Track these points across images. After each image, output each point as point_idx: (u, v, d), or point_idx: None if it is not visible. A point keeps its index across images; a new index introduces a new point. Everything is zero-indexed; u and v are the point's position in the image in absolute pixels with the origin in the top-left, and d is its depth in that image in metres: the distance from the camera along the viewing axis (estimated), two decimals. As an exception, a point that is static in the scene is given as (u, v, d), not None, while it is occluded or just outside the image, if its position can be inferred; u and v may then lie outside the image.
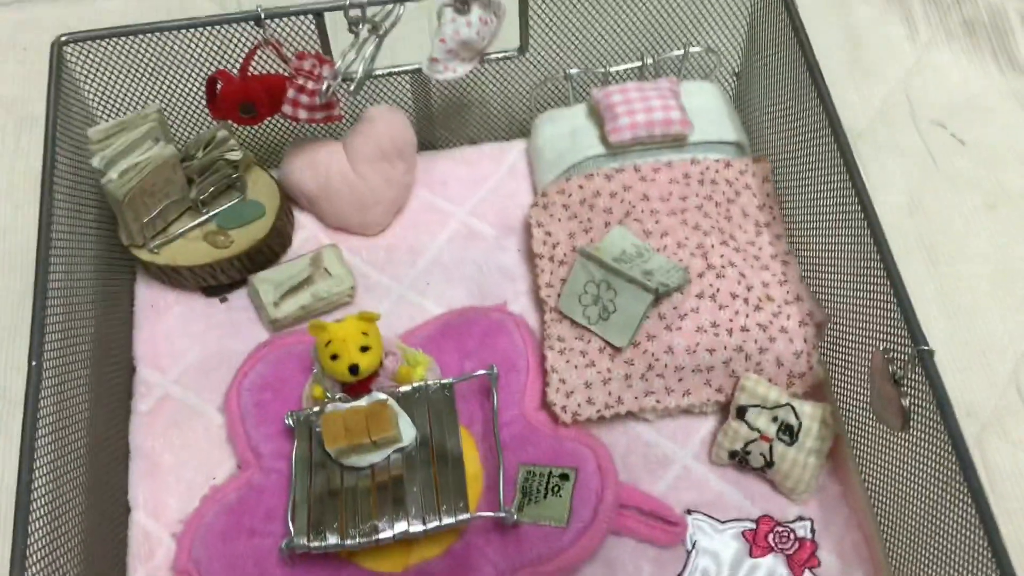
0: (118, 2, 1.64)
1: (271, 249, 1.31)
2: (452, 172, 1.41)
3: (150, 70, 1.25)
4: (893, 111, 1.47)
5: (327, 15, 1.22)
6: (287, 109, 1.24)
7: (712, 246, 1.21)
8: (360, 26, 1.21)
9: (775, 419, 1.12)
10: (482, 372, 1.16)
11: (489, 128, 1.43)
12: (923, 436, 0.97)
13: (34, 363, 1.00)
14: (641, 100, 1.29)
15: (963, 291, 1.31)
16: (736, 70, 1.40)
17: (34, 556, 0.92)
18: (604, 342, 1.17)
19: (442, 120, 1.40)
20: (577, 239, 1.25)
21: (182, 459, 1.19)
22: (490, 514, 1.07)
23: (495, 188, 1.40)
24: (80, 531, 1.03)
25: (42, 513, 0.95)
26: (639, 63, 1.34)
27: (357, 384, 1.13)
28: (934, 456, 0.96)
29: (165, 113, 1.25)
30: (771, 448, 1.12)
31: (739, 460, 1.15)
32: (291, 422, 1.15)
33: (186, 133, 1.35)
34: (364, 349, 1.11)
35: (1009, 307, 1.29)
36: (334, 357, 1.10)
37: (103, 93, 1.27)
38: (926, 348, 0.96)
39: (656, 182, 1.26)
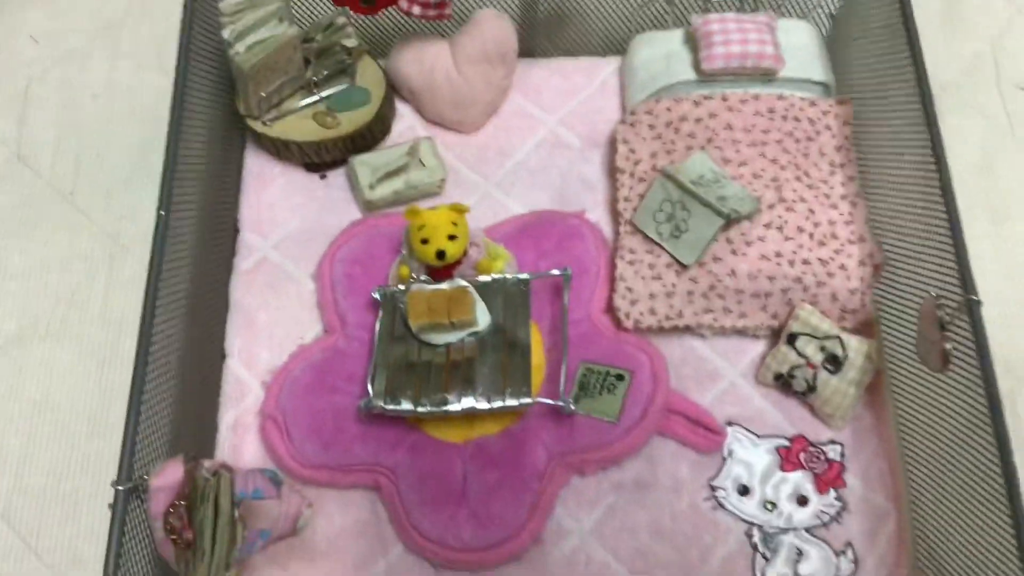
0: None
1: (372, 134, 1.40)
2: (547, 81, 1.48)
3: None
4: (979, 69, 1.51)
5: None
6: (403, 3, 1.31)
7: (787, 180, 1.28)
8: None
9: (823, 348, 1.21)
10: (556, 272, 1.25)
11: (587, 42, 1.49)
12: (959, 380, 1.05)
13: (162, 213, 1.10)
14: (739, 31, 1.34)
15: (1021, 252, 1.36)
16: (833, 11, 1.44)
17: (148, 385, 1.05)
18: (672, 258, 1.26)
19: (544, 29, 1.47)
20: (659, 159, 1.33)
21: (275, 318, 1.31)
22: (549, 401, 1.18)
23: (586, 101, 1.47)
24: (183, 368, 1.16)
25: (155, 349, 1.08)
26: (740, -5, 1.40)
27: (442, 269, 1.23)
28: (967, 400, 1.04)
29: (290, -4, 1.34)
30: (815, 375, 1.21)
31: (783, 383, 1.24)
32: (378, 296, 1.25)
33: (308, 15, 1.43)
34: (452, 237, 1.21)
35: (1062, 272, 1.35)
36: (424, 241, 1.20)
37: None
38: (975, 298, 1.03)
39: (742, 113, 1.33)
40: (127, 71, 1.53)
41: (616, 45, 1.49)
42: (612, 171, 1.38)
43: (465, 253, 1.24)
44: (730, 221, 1.23)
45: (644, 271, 1.27)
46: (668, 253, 1.26)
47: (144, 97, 1.51)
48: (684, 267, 1.25)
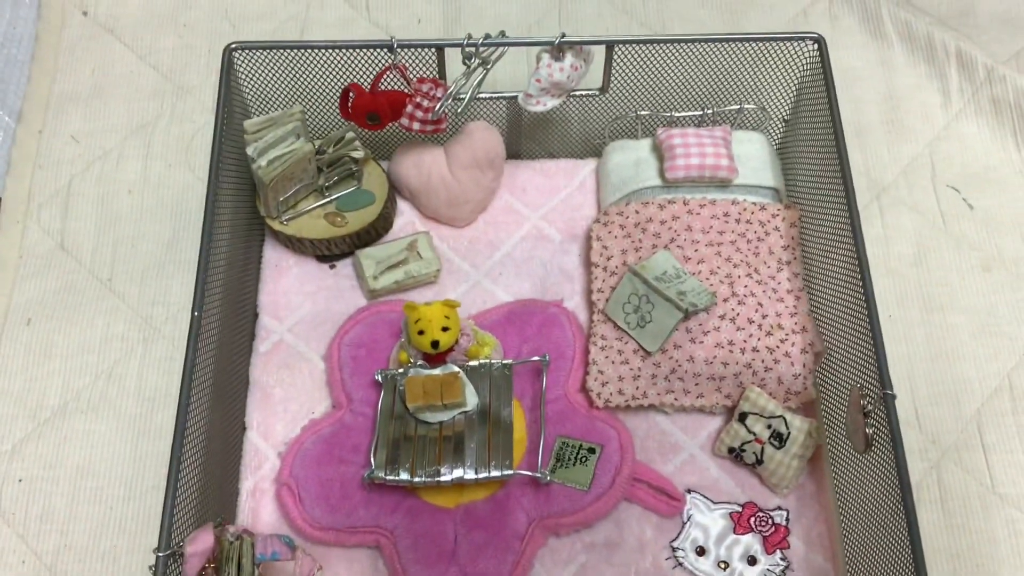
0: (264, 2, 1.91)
1: (376, 231, 1.58)
2: (531, 180, 1.67)
3: (298, 76, 1.53)
4: (917, 171, 1.69)
5: (446, 49, 1.48)
6: (404, 121, 1.50)
7: (739, 276, 1.46)
8: (472, 60, 1.46)
9: (769, 426, 1.38)
10: (536, 358, 1.43)
11: (567, 146, 1.68)
12: (879, 460, 1.23)
13: (196, 313, 1.28)
14: (697, 145, 1.53)
15: (948, 338, 1.54)
16: (785, 117, 1.63)
17: (182, 457, 1.22)
18: (639, 345, 1.43)
19: (529, 135, 1.66)
20: (628, 255, 1.51)
21: (289, 394, 1.49)
22: (528, 472, 1.35)
23: (566, 199, 1.65)
24: (209, 440, 1.33)
25: (188, 426, 1.25)
26: (700, 112, 1.59)
27: (436, 356, 1.41)
28: (885, 477, 1.21)
29: (305, 113, 1.52)
30: (763, 449, 1.38)
31: (735, 455, 1.41)
32: (380, 378, 1.43)
33: (320, 131, 1.62)
34: (445, 329, 1.39)
35: (983, 357, 1.52)
36: (420, 332, 1.38)
37: (258, 91, 1.54)
38: (890, 393, 1.21)
39: (700, 216, 1.51)
40: (158, 169, 1.71)
41: (593, 148, 1.68)
42: (587, 264, 1.57)
43: (456, 341, 1.41)
44: (688, 314, 1.41)
45: (614, 356, 1.44)
46: (635, 341, 1.44)
47: (174, 192, 1.69)
48: (649, 353, 1.43)
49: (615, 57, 1.51)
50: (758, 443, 1.39)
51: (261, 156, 1.44)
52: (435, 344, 1.38)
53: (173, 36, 1.86)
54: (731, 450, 1.41)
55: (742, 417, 1.40)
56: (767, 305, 1.44)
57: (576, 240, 1.61)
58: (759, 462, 1.39)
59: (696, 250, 1.49)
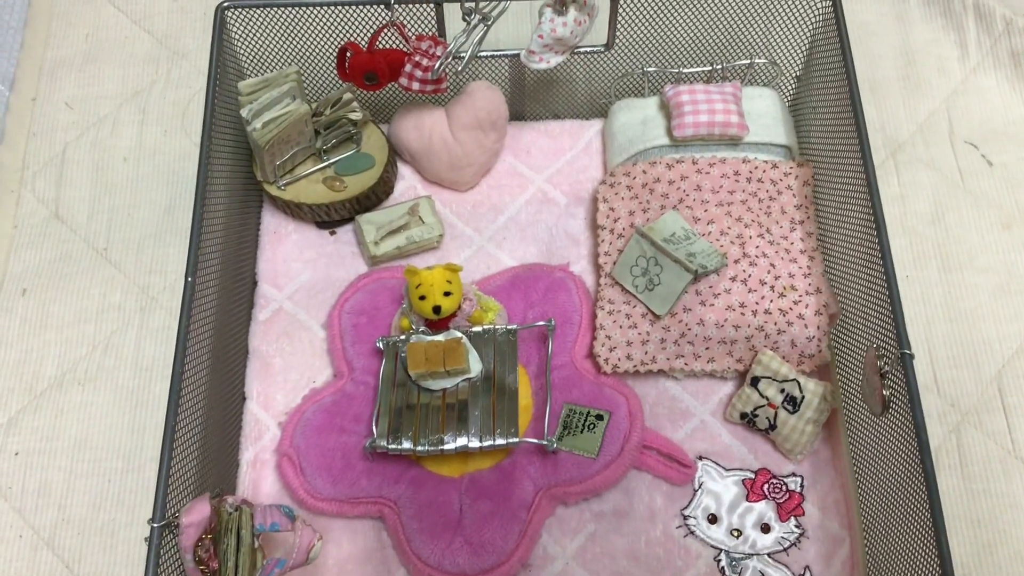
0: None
1: (376, 195, 1.54)
2: (536, 142, 1.63)
3: (293, 36, 1.48)
4: (933, 127, 1.64)
5: (445, 5, 1.43)
6: (403, 81, 1.45)
7: (750, 237, 1.42)
8: (472, 16, 1.41)
9: (782, 391, 1.34)
10: (542, 323, 1.39)
11: (572, 106, 1.63)
12: (897, 422, 1.19)
13: (189, 279, 1.25)
14: (706, 102, 1.48)
15: (967, 298, 1.49)
16: (798, 73, 1.58)
17: (178, 430, 1.19)
18: (647, 309, 1.39)
19: (532, 95, 1.61)
20: (636, 217, 1.46)
21: (289, 363, 1.45)
22: (535, 440, 1.31)
23: (571, 161, 1.61)
24: (208, 411, 1.30)
25: (184, 396, 1.21)
26: (709, 68, 1.53)
27: (438, 321, 1.37)
28: (903, 440, 1.17)
29: (302, 74, 1.48)
30: (776, 414, 1.34)
31: (748, 421, 1.37)
32: (381, 345, 1.39)
33: (317, 92, 1.58)
34: (447, 294, 1.35)
35: (1003, 317, 1.48)
36: (422, 298, 1.34)
37: (253, 52, 1.50)
38: (908, 352, 1.17)
39: (710, 175, 1.46)
40: (154, 135, 1.67)
41: (599, 108, 1.63)
42: (594, 227, 1.52)
43: (459, 307, 1.38)
44: (698, 276, 1.36)
45: (622, 320, 1.40)
46: (643, 304, 1.40)
47: (169, 159, 1.65)
48: (657, 317, 1.38)
49: (620, 11, 1.45)
50: (771, 408, 1.35)
51: (256, 118, 1.40)
52: (437, 309, 1.34)
53: (167, 1, 1.82)
54: (743, 416, 1.37)
55: (754, 381, 1.36)
56: (780, 266, 1.40)
57: (582, 203, 1.57)
58: (772, 427, 1.35)
59: (706, 210, 1.44)
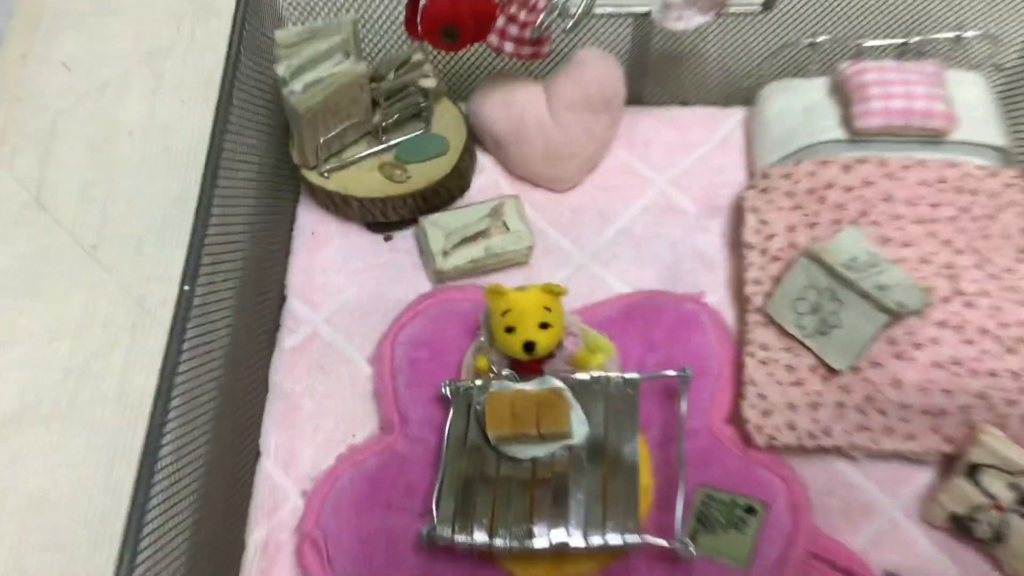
0: None
1: (448, 191, 1.17)
2: (657, 133, 1.25)
3: (350, -27, 1.13)
4: None
5: (557, -64, 1.06)
6: (493, 39, 1.09)
7: (964, 268, 1.02)
8: (591, -45, 1.05)
9: (1015, 487, 0.94)
10: (672, 373, 1.00)
11: (706, 90, 1.26)
12: None
13: (186, 288, 0.88)
14: (901, 83, 1.09)
15: None
16: (1005, 63, 1.19)
17: (154, 499, 0.82)
18: (818, 360, 1.00)
19: (656, 73, 1.24)
20: (798, 234, 1.08)
21: (323, 408, 1.08)
22: (662, 542, 0.92)
23: (703, 159, 1.23)
24: (206, 472, 0.93)
25: (169, 450, 0.85)
26: (902, 41, 1.15)
27: (530, 363, 0.99)
28: None
29: (360, 25, 1.12)
30: (1005, 520, 0.94)
31: (961, 526, 0.97)
32: (448, 392, 1.02)
33: (379, 50, 1.22)
34: (544, 326, 0.97)
35: None
36: (509, 329, 0.97)
37: (296, -4, 1.15)
38: None
39: (904, 182, 1.07)
40: (169, 107, 1.33)
41: (741, 94, 1.25)
42: (736, 245, 1.14)
43: (559, 344, 1.00)
44: (895, 317, 0.97)
45: (780, 374, 1.01)
46: (812, 353, 1.01)
47: (187, 137, 1.30)
48: (834, 372, 0.99)
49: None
50: (997, 511, 0.94)
51: (296, 78, 1.04)
52: (530, 347, 0.96)
53: (199, -54, 1.47)
54: (954, 518, 0.97)
55: (972, 470, 0.96)
56: (1007, 310, 1.00)
57: (718, 213, 1.19)
58: (997, 539, 0.95)
59: (900, 228, 1.05)
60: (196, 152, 1.28)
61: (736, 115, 1.26)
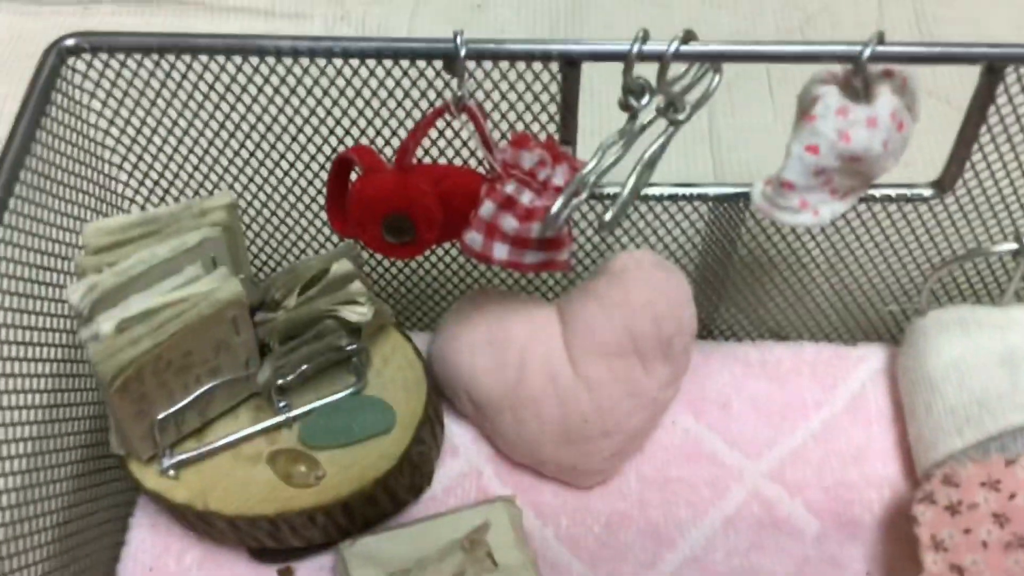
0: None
1: (392, 496, 0.68)
2: (743, 386, 0.77)
3: (224, 131, 0.66)
4: None
5: (585, 65, 0.60)
6: (474, 238, 0.62)
7: None
8: (647, 98, 0.59)
9: None
10: None
11: (817, 315, 0.78)
12: None
13: None
14: None
15: None
16: None
17: None
18: None
19: (742, 290, 0.76)
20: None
21: None
22: None
23: (820, 434, 0.74)
24: None
25: None
26: None
27: None
28: None
29: (243, 211, 0.65)
30: None
31: None
32: None
33: (273, 257, 0.74)
34: None
35: None
36: None
37: (130, 163, 0.68)
38: None
39: None
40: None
41: (873, 321, 0.78)
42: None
43: None
44: None
45: None
46: None
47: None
48: None
49: (999, 94, 0.61)
50: None
51: (104, 313, 0.56)
52: None
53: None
54: None
55: None
56: None
57: (858, 533, 0.69)
58: None
59: None
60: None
61: (871, 358, 0.78)
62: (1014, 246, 0.66)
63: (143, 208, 0.69)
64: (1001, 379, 0.68)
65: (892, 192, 0.66)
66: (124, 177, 0.68)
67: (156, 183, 0.68)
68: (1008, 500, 0.62)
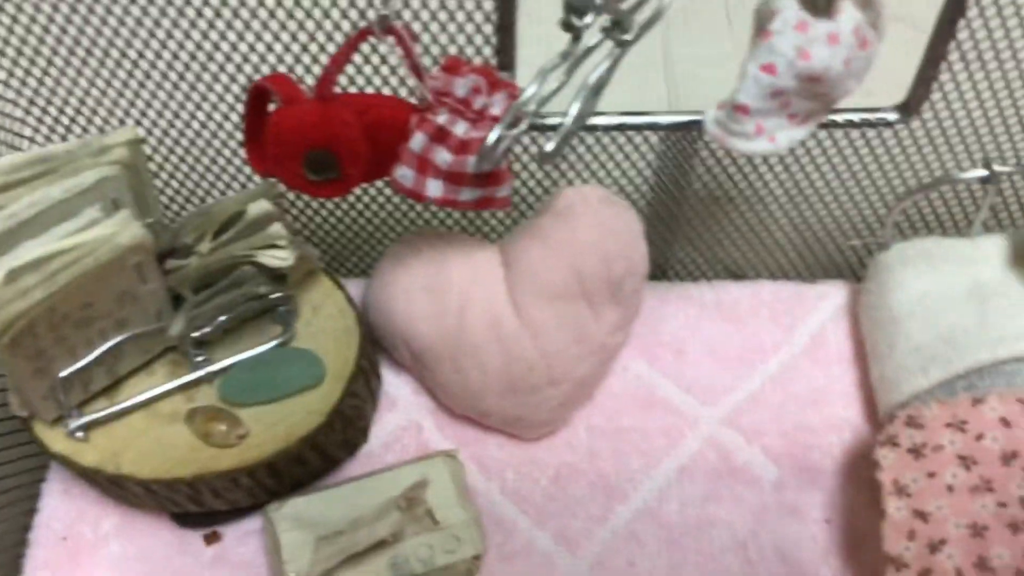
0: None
1: (324, 452, 0.63)
2: (698, 328, 0.73)
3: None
4: None
5: (521, -17, 0.55)
6: (405, 174, 0.57)
7: None
8: (591, 16, 0.54)
9: None
10: None
11: (776, 252, 0.74)
12: None
13: None
14: None
15: None
16: None
17: None
18: None
19: (697, 229, 0.72)
20: (991, 539, 0.55)
21: None
22: None
23: (780, 378, 0.70)
24: None
25: None
26: None
27: None
28: None
29: (146, 145, 0.59)
30: None
31: None
32: None
33: (182, 194, 0.69)
34: None
35: None
36: None
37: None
38: None
39: None
40: None
41: (839, 259, 0.74)
42: (860, 547, 0.61)
43: None
44: None
45: None
46: None
47: None
48: None
49: (970, 6, 0.57)
50: None
51: (-12, 258, 0.50)
52: None
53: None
54: None
55: None
56: None
57: (817, 481, 0.66)
58: None
59: None
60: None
61: (832, 296, 0.74)
62: (983, 173, 0.62)
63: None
64: (969, 314, 0.64)
65: (855, 117, 0.62)
66: (19, 114, 0.62)
67: (57, 120, 0.62)
68: (975, 441, 0.59)
